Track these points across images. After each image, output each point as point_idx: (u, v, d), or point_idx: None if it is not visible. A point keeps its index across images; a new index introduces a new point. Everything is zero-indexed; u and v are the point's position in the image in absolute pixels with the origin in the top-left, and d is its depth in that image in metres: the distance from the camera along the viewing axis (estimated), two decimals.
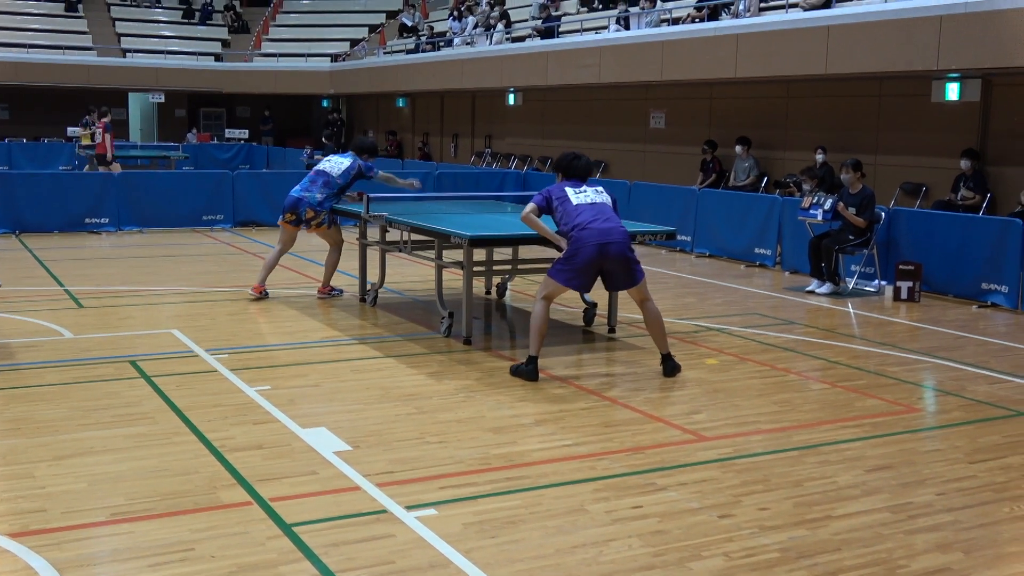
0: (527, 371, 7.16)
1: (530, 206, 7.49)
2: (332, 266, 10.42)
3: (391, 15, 34.21)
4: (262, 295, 10.16)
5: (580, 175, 7.61)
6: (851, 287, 11.50)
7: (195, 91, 32.25)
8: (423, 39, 27.50)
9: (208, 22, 35.94)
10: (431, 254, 8.97)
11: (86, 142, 22.80)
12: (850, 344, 8.78)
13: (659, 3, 18.51)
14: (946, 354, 8.42)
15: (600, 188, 7.62)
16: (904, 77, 13.67)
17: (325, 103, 33.75)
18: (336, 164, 10.26)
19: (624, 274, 7.35)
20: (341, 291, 10.50)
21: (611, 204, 7.55)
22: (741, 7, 16.05)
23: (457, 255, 8.50)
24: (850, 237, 11.31)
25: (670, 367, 7.47)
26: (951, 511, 4.94)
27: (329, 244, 10.46)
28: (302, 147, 27.36)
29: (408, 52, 27.55)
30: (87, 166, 20.71)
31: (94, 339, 8.26)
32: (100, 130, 19.55)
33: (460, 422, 6.18)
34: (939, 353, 8.46)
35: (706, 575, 4.15)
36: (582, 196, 7.41)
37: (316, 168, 10.34)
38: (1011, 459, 5.74)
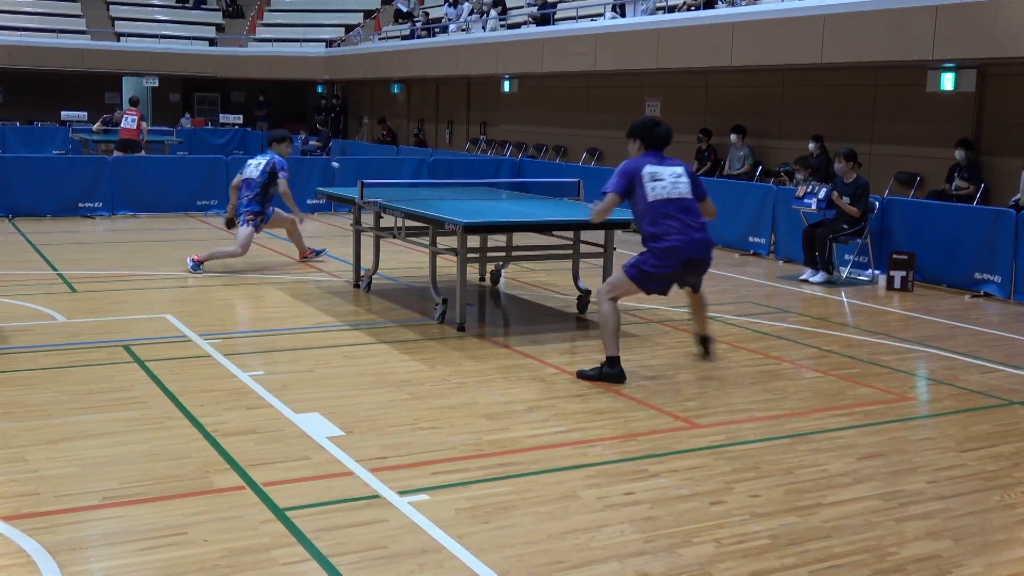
0: (613, 373, 6.70)
1: (609, 199, 6.77)
2: (295, 234, 11.74)
3: (386, 1, 34.10)
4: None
5: (661, 144, 6.86)
6: (845, 276, 11.52)
7: (189, 76, 32.13)
8: (418, 25, 27.42)
9: (203, 6, 35.77)
10: (425, 240, 8.96)
11: (96, 130, 22.70)
12: (843, 333, 8.80)
13: None
14: (938, 343, 8.44)
15: (679, 170, 6.79)
16: (899, 67, 13.66)
17: (320, 89, 33.65)
18: (255, 165, 11.12)
19: (699, 277, 6.96)
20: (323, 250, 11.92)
21: (691, 189, 6.76)
22: None
23: (451, 242, 8.50)
24: (844, 226, 11.32)
25: (709, 350, 7.28)
26: (942, 499, 4.96)
27: (285, 228, 11.72)
28: (296, 133, 27.30)
29: (403, 38, 27.47)
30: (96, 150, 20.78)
31: (87, 323, 8.25)
32: (136, 117, 19.74)
33: (453, 408, 6.19)
34: (931, 342, 8.48)
35: (696, 561, 4.17)
36: (658, 188, 6.64)
37: (243, 177, 11.10)
38: (1002, 448, 5.77)
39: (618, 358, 6.71)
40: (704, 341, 7.23)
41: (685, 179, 6.74)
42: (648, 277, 6.69)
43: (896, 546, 4.38)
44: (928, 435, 6.02)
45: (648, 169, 6.70)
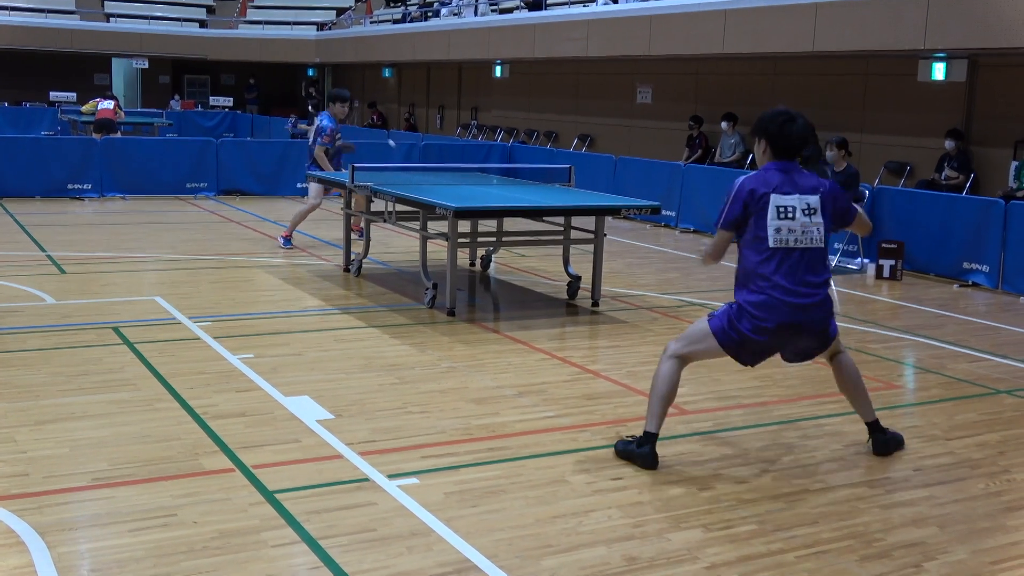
0: (643, 454, 5.06)
1: (720, 238, 5.10)
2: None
3: None
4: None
5: (794, 150, 5.01)
6: (834, 264, 11.55)
7: (179, 57, 32.00)
8: (410, 9, 27.33)
9: None
10: (416, 225, 8.96)
11: (87, 110, 22.55)
12: None
13: None
14: (927, 332, 8.48)
15: (815, 201, 4.95)
16: (891, 56, 13.68)
17: (311, 72, 33.53)
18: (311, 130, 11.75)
19: (816, 346, 5.16)
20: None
21: (824, 230, 4.98)
22: None
23: (442, 226, 8.49)
24: None
25: (881, 442, 5.41)
26: (927, 486, 4.99)
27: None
28: (287, 116, 27.22)
29: (395, 22, 27.39)
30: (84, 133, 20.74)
31: (76, 305, 8.23)
32: (113, 102, 19.96)
33: (442, 392, 6.20)
34: (920, 331, 8.52)
35: (684, 546, 4.19)
36: (784, 231, 4.87)
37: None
38: (987, 436, 5.81)
39: (655, 435, 5.08)
40: (875, 430, 5.43)
41: (819, 218, 4.95)
42: (740, 341, 4.97)
43: (882, 532, 4.41)
44: (915, 423, 6.06)
45: (776, 198, 4.91)
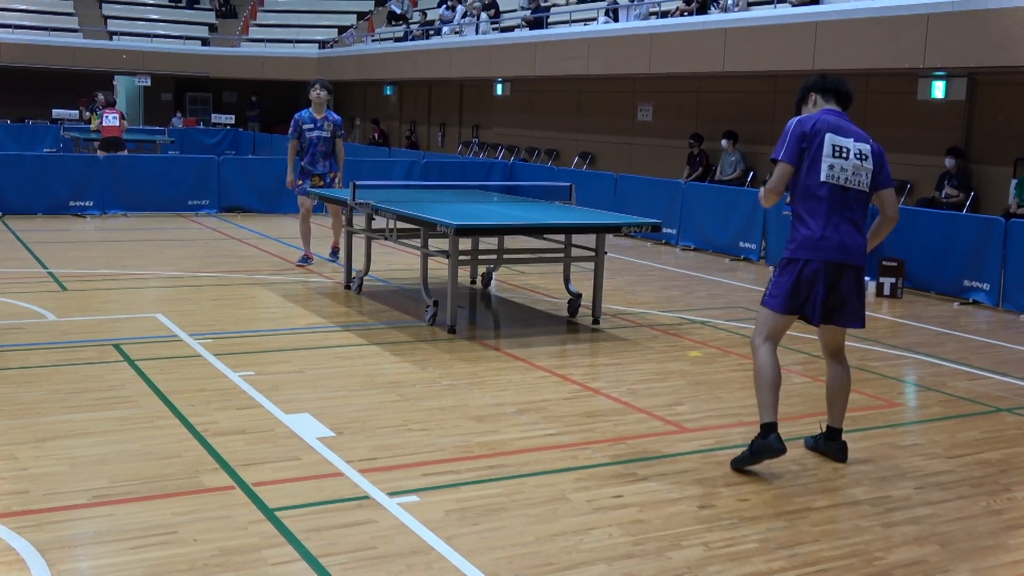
0: (769, 443, 5.07)
1: (781, 170, 5.19)
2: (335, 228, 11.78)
3: (380, 2, 34.11)
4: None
5: (846, 101, 5.40)
6: None
7: (181, 75, 32.10)
8: (413, 27, 27.43)
9: (196, 6, 35.78)
10: (417, 242, 8.97)
11: (94, 126, 22.51)
12: None
13: None
14: (927, 350, 8.48)
15: (866, 148, 5.21)
16: (890, 74, 13.73)
17: None
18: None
19: (850, 309, 5.26)
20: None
21: (870, 180, 5.21)
22: (729, 1, 16.08)
23: (443, 244, 8.50)
24: None
25: (839, 448, 5.58)
26: (929, 505, 4.99)
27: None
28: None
29: (396, 40, 27.49)
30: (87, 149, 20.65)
31: (77, 322, 8.23)
32: (117, 115, 19.62)
33: (443, 410, 6.20)
34: (920, 349, 8.52)
35: (685, 564, 4.19)
36: (838, 164, 5.10)
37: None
38: (989, 454, 5.80)
39: (775, 424, 5.10)
40: (832, 435, 5.60)
41: (870, 164, 5.19)
42: (789, 294, 5.13)
43: (883, 551, 4.41)
44: (916, 441, 6.05)
45: (831, 138, 5.13)
